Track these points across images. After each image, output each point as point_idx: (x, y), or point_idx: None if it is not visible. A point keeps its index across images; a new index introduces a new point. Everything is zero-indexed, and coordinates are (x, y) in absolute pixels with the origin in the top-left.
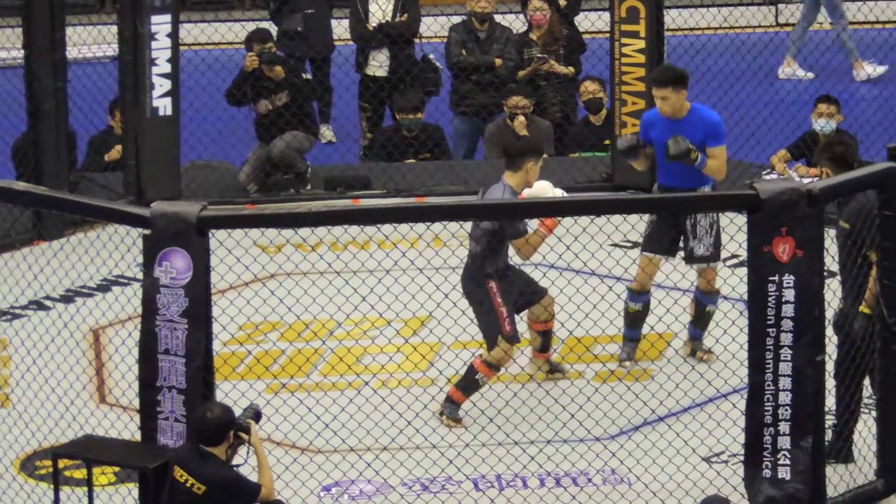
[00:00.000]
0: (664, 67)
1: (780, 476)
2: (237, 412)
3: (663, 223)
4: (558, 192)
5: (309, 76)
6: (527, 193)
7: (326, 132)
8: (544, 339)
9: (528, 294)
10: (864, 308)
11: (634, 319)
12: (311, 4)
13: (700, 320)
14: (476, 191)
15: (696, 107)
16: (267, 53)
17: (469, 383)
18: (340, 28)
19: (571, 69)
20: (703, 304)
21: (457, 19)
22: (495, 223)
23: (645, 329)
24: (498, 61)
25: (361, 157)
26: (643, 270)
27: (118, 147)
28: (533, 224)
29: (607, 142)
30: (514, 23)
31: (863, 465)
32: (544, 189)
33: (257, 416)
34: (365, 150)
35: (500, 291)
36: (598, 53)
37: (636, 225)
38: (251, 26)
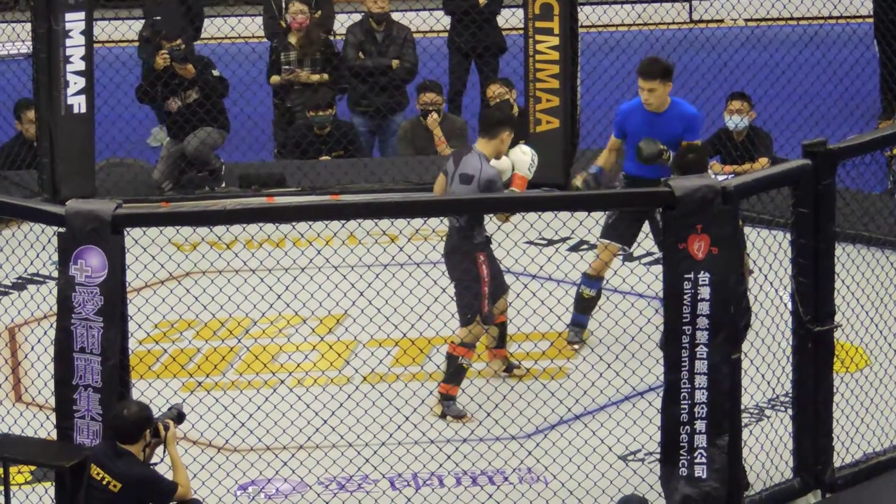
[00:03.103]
0: (651, 59)
1: (696, 474)
2: (154, 410)
3: (627, 220)
4: (528, 151)
5: (219, 73)
6: (512, 157)
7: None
8: (502, 332)
9: (500, 284)
10: None
11: (587, 305)
12: (159, 11)
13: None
14: (390, 188)
15: (677, 101)
16: (178, 51)
17: (454, 371)
18: (255, 25)
19: (324, 77)
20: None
21: None
22: (475, 192)
23: (560, 327)
24: (395, 63)
25: (276, 154)
26: (599, 257)
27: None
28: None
29: (522, 141)
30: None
31: (779, 464)
32: (523, 151)
33: (180, 416)
34: (279, 148)
35: (488, 266)
36: (513, 50)
37: (551, 222)
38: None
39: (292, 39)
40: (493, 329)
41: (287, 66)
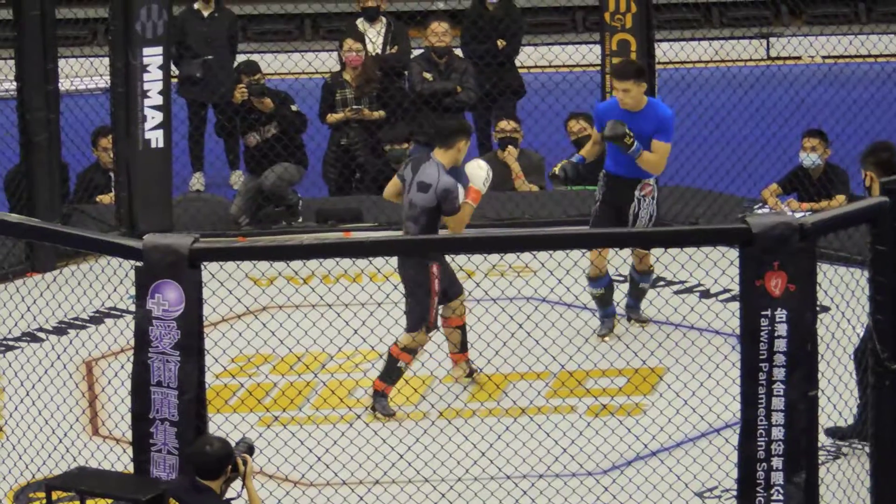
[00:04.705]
0: (626, 62)
1: None
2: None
3: (607, 218)
4: (484, 166)
5: (297, 108)
6: (468, 171)
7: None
8: (462, 335)
9: (453, 286)
10: None
11: (603, 300)
12: (210, 51)
13: (634, 292)
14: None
15: (654, 101)
16: (256, 85)
17: (391, 371)
18: (332, 60)
19: (382, 113)
20: (637, 282)
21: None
22: (432, 201)
23: (636, 363)
24: (458, 88)
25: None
26: (594, 263)
27: (110, 195)
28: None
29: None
30: None
31: (857, 502)
32: (479, 166)
33: (250, 449)
34: (356, 183)
35: (439, 277)
36: (590, 86)
37: (627, 259)
38: (241, 58)
39: (347, 77)
40: (454, 335)
41: (357, 106)
